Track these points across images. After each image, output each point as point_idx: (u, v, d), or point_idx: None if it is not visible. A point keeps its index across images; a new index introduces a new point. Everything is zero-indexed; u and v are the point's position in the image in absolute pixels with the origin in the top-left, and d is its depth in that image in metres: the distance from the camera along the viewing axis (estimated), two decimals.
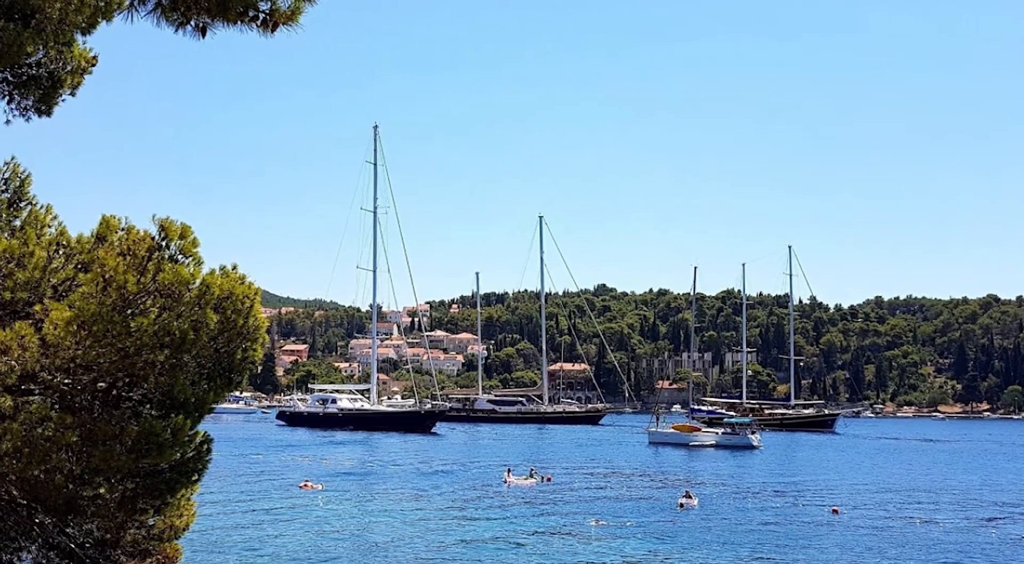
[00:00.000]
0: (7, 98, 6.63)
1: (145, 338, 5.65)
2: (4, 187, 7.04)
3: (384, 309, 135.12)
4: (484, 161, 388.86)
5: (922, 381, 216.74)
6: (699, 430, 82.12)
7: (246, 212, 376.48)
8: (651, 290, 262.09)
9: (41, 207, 7.02)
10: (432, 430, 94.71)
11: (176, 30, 6.09)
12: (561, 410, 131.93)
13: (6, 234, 6.64)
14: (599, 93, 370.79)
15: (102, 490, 6.14)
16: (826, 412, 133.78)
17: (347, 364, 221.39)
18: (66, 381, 5.76)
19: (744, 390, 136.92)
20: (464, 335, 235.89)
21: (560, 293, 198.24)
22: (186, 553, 7.51)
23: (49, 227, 6.87)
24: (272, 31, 6.14)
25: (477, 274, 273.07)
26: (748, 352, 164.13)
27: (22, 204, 7.03)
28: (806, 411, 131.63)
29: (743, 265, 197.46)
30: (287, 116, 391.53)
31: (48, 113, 6.87)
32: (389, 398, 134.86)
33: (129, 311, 5.64)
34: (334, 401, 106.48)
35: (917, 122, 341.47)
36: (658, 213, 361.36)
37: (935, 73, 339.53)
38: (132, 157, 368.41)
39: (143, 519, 6.67)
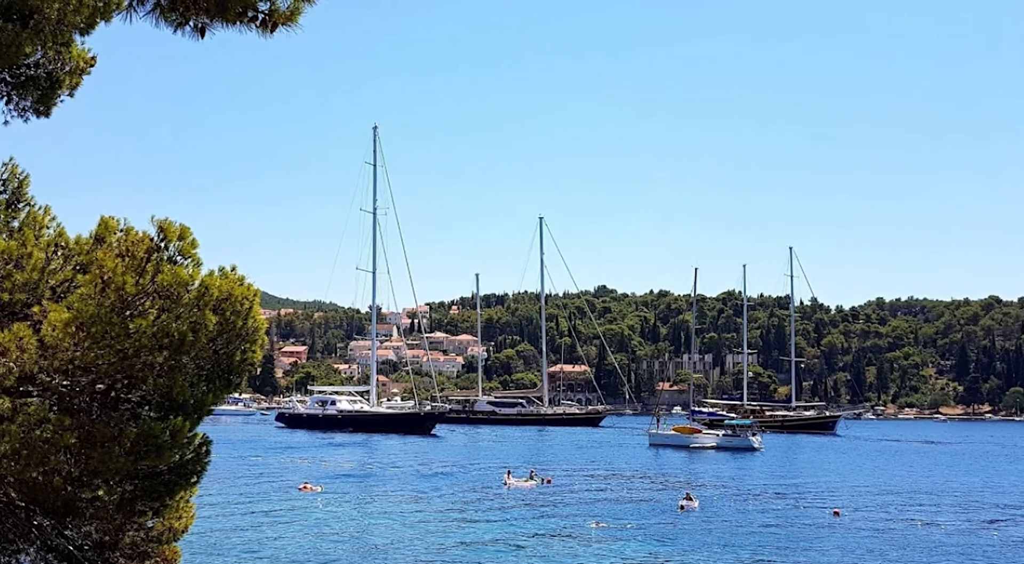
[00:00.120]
0: (5, 99, 6.61)
1: (144, 340, 5.63)
2: (2, 188, 7.02)
3: (384, 310, 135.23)
4: (484, 162, 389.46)
5: (923, 383, 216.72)
6: (700, 432, 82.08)
7: (245, 213, 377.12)
8: (651, 291, 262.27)
9: (39, 208, 7.00)
10: (432, 432, 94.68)
11: (175, 30, 6.07)
12: (561, 412, 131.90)
13: (4, 235, 6.62)
14: (599, 94, 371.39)
15: (101, 492, 6.12)
16: (827, 414, 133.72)
17: (346, 366, 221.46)
18: (65, 383, 5.74)
19: (745, 392, 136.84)
20: (464, 337, 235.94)
21: (560, 294, 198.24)
22: (185, 555, 7.48)
23: (47, 228, 6.85)
24: (271, 32, 6.12)
25: (477, 275, 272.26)
26: (749, 354, 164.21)
27: (20, 205, 7.01)
28: (807, 413, 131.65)
29: (744, 266, 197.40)
30: (286, 117, 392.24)
31: (46, 114, 6.85)
32: (389, 400, 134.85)
33: (128, 312, 5.62)
34: (333, 403, 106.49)
35: (917, 122, 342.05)
36: (658, 214, 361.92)
37: (935, 73, 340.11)
38: (131, 158, 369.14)
39: (142, 521, 6.64)
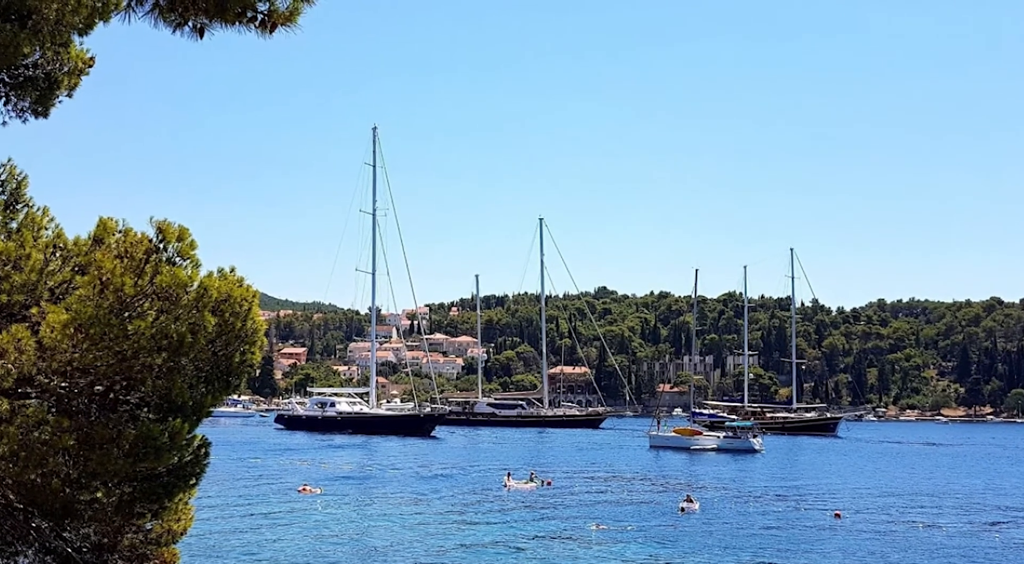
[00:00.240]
0: (4, 99, 6.59)
1: (143, 341, 5.61)
2: (1, 189, 7.00)
3: (383, 312, 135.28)
4: (484, 163, 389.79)
5: (925, 384, 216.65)
6: (700, 434, 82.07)
7: (244, 214, 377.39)
8: (652, 293, 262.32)
9: (38, 209, 6.97)
10: (431, 434, 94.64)
11: (174, 31, 6.05)
12: (561, 413, 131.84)
13: (3, 236, 6.60)
14: (599, 94, 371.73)
15: (99, 494, 6.10)
16: (828, 416, 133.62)
17: (346, 367, 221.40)
18: (63, 384, 5.72)
19: (746, 393, 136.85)
20: (464, 338, 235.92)
21: (560, 296, 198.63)
22: (184, 557, 7.46)
23: (46, 229, 6.82)
24: (270, 32, 6.10)
25: (477, 277, 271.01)
26: (750, 355, 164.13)
27: (19, 206, 6.99)
28: (808, 414, 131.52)
29: (744, 267, 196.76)
30: (286, 117, 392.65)
31: (45, 114, 6.83)
32: (388, 401, 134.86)
33: (126, 314, 5.60)
34: (333, 404, 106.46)
35: (917, 122, 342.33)
36: (659, 215, 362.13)
37: (935, 73, 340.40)
38: (130, 158, 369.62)
39: (140, 523, 6.62)
